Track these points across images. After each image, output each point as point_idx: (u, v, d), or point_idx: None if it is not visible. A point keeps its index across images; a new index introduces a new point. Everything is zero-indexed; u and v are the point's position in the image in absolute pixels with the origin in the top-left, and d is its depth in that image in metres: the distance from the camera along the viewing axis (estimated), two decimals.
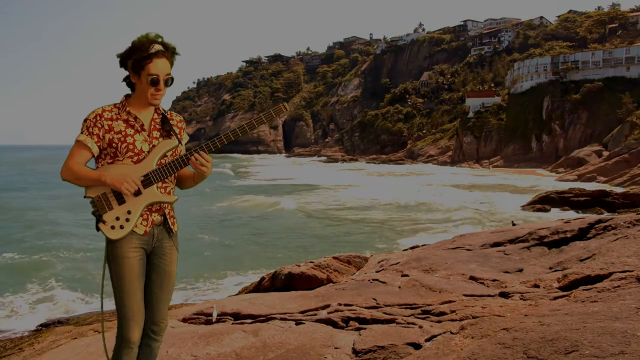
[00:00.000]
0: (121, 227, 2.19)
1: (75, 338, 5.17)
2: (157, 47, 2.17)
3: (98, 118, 2.20)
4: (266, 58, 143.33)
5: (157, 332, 2.41)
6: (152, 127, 2.29)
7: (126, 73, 2.26)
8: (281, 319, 4.27)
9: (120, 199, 2.19)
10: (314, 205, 27.48)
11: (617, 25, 75.58)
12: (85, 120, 2.21)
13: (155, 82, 2.19)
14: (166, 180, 2.28)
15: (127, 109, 2.25)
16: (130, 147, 2.21)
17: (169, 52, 2.22)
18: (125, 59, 2.20)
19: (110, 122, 2.21)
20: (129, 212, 2.20)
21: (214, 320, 4.64)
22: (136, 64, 2.17)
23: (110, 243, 2.22)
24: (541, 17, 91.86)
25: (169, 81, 2.23)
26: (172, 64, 2.25)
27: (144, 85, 2.20)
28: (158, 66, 2.18)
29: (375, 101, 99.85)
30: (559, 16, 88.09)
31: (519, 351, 2.54)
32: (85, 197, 2.23)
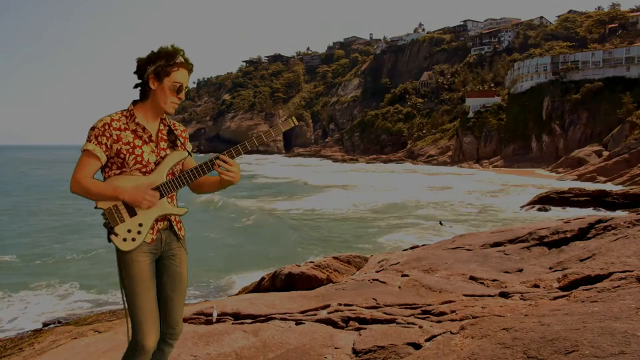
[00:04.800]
0: (133, 239, 2.19)
1: (75, 338, 5.17)
2: (181, 58, 2.22)
3: (107, 127, 2.17)
4: (266, 58, 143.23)
5: (172, 336, 2.40)
6: (159, 137, 2.29)
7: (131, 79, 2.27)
8: (281, 319, 4.27)
9: (132, 211, 2.19)
10: (317, 204, 27.48)
11: (617, 25, 75.53)
12: (92, 129, 2.16)
13: (180, 90, 2.22)
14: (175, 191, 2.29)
15: (136, 120, 2.24)
16: (139, 159, 2.20)
17: (189, 67, 2.26)
18: (148, 64, 2.20)
19: (118, 132, 2.18)
20: (140, 225, 2.20)
21: (214, 320, 4.64)
22: (161, 69, 2.18)
23: (119, 250, 2.22)
24: (541, 17, 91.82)
25: (187, 92, 2.30)
26: (189, 77, 2.30)
27: (165, 92, 2.21)
28: (182, 75, 2.22)
29: (375, 101, 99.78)
30: (559, 16, 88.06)
31: (519, 351, 2.54)
32: (96, 207, 2.21)
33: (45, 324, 8.29)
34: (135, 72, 2.24)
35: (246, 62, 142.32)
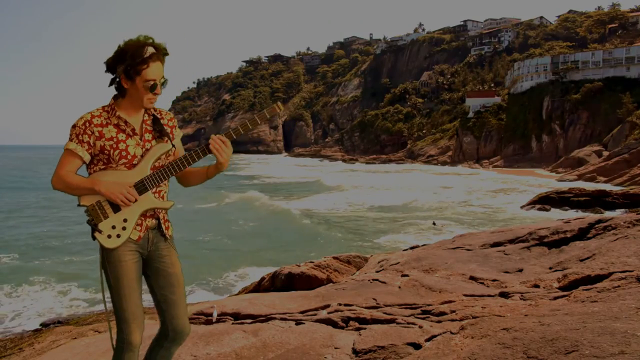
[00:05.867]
0: (118, 235, 2.14)
1: (75, 338, 5.17)
2: (151, 50, 2.09)
3: (87, 125, 2.10)
4: (266, 58, 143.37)
5: (183, 338, 2.36)
6: (144, 129, 2.20)
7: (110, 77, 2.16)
8: (281, 319, 4.27)
9: (116, 206, 2.14)
10: (317, 205, 27.48)
11: (617, 25, 75.58)
12: (73, 127, 2.10)
13: (154, 88, 2.12)
14: (160, 184, 2.21)
15: (117, 113, 2.15)
16: (124, 153, 2.13)
17: (161, 54, 2.14)
18: (115, 64, 2.09)
19: (100, 129, 2.11)
20: (125, 221, 2.14)
21: (214, 320, 4.64)
22: (130, 69, 2.07)
23: (105, 248, 2.16)
24: (541, 17, 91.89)
25: (164, 84, 2.18)
26: (163, 65, 2.17)
27: (140, 91, 2.12)
28: (154, 71, 2.09)
29: (375, 101, 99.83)
30: (559, 16, 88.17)
31: (519, 351, 2.53)
32: (79, 205, 2.16)
33: (45, 324, 8.28)
34: (106, 72, 2.13)
35: (246, 62, 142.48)
